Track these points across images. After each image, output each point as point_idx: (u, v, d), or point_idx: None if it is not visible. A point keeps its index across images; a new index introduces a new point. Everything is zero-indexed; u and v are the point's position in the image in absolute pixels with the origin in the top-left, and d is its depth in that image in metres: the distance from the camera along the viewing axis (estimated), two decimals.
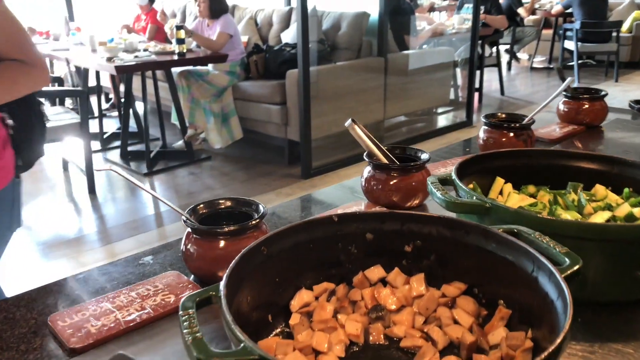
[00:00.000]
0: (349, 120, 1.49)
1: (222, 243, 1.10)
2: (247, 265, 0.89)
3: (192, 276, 1.16)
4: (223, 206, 1.19)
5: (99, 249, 3.94)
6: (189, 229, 1.12)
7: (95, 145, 6.12)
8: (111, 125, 6.92)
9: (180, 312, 0.74)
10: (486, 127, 1.86)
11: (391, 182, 1.46)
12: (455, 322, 0.94)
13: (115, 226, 4.32)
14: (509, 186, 1.35)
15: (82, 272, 1.20)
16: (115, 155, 5.99)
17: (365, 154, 1.50)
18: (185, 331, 0.70)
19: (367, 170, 1.51)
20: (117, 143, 6.08)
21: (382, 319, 0.96)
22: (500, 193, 1.35)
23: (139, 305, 1.03)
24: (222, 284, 0.80)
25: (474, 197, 1.09)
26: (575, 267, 0.83)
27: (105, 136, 6.37)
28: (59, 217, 4.51)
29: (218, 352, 0.66)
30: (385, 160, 1.49)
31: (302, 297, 0.99)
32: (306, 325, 0.94)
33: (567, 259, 0.85)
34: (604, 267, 1.01)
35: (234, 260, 0.86)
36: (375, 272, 1.03)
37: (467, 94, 7.27)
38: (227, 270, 0.83)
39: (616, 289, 1.04)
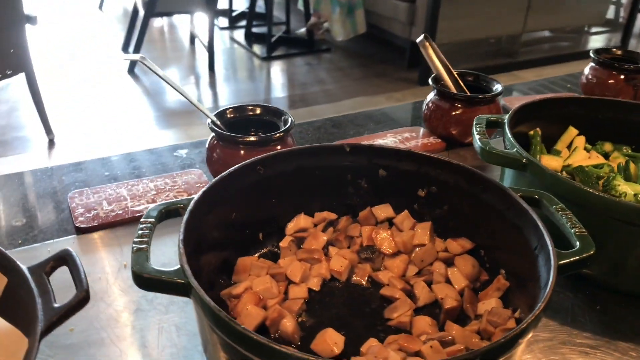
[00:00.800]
0: (421, 36, 1.35)
1: (242, 152, 1.08)
2: (238, 182, 0.87)
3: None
4: (252, 113, 1.16)
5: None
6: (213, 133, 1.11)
7: (224, 22, 6.24)
8: (241, 3, 6.98)
9: (142, 219, 0.75)
10: (593, 64, 1.61)
11: (453, 113, 1.33)
12: (448, 281, 0.87)
13: (227, 105, 4.48)
14: (581, 140, 1.18)
15: (123, 153, 1.25)
16: (240, 34, 6.08)
17: (431, 77, 1.37)
18: (135, 240, 0.70)
19: (430, 95, 1.38)
20: (244, 22, 6.16)
21: (371, 260, 0.91)
22: (570, 147, 1.18)
23: (151, 198, 1.07)
24: (195, 198, 0.79)
25: (515, 149, 0.96)
26: (584, 255, 0.72)
27: (233, 14, 6.46)
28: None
29: (152, 270, 0.66)
30: (452, 88, 1.36)
31: (300, 221, 0.96)
32: (294, 250, 0.92)
33: (579, 243, 0.73)
34: None
35: (218, 177, 0.84)
36: (384, 210, 0.97)
37: (629, 14, 6.37)
38: (206, 187, 0.81)
39: None
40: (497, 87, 1.35)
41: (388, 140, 1.34)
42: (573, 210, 0.86)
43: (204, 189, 0.80)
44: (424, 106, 1.39)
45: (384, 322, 0.81)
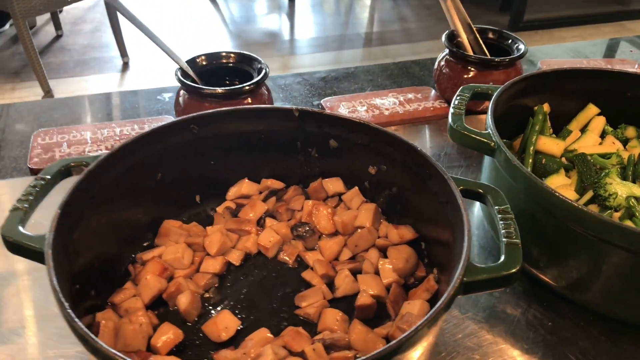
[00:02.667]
0: None
1: (207, 104, 1.02)
2: (165, 140, 0.81)
3: None
4: (226, 61, 1.08)
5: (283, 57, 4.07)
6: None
7: None
8: None
9: (38, 175, 0.71)
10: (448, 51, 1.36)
11: (464, 76, 1.18)
12: (378, 273, 0.78)
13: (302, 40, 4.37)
14: (600, 121, 1.00)
15: (106, 92, 1.23)
16: None
17: (445, 33, 1.21)
18: (19, 197, 0.67)
19: (443, 54, 1.23)
20: None
21: (303, 238, 0.83)
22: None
23: (110, 144, 1.04)
24: (102, 155, 0.74)
25: (489, 130, 0.83)
26: (502, 273, 0.60)
27: None
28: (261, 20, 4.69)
29: (18, 233, 0.63)
30: (468, 48, 1.20)
31: (242, 187, 0.89)
32: (227, 218, 0.86)
33: (504, 257, 0.62)
34: (619, 276, 0.73)
35: (137, 135, 0.78)
36: (334, 184, 0.89)
37: None
38: (119, 144, 0.76)
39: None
40: (520, 48, 1.18)
41: (387, 100, 1.22)
42: (538, 213, 0.74)
43: (117, 146, 0.75)
44: (435, 64, 1.24)
45: (293, 310, 0.74)
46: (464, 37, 1.19)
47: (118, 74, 3.87)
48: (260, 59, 1.07)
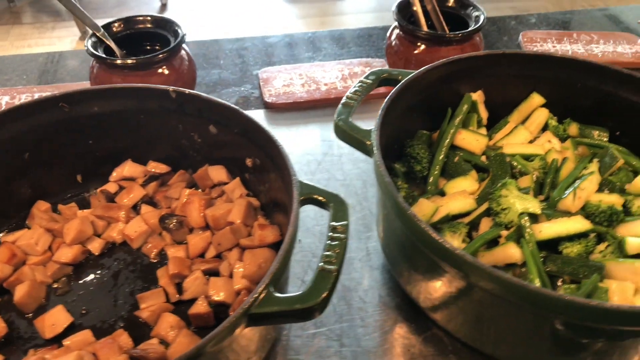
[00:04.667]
0: None
1: (116, 76, 0.96)
2: (30, 119, 0.77)
3: None
4: (142, 26, 1.01)
5: None
6: None
7: None
8: None
9: None
10: None
11: (415, 52, 1.06)
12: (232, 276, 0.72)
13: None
14: (542, 113, 0.88)
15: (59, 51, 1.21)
16: None
17: (397, 2, 1.08)
18: None
19: (392, 26, 1.11)
20: None
21: (170, 231, 0.78)
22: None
23: None
24: None
25: (373, 128, 0.73)
26: (296, 307, 0.53)
27: None
28: None
29: None
30: (421, 19, 1.07)
31: (124, 169, 0.85)
32: (103, 202, 0.82)
33: (310, 286, 0.55)
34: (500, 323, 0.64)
35: None
36: (218, 173, 0.83)
37: None
38: None
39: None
40: (479, 19, 1.04)
41: (329, 73, 1.12)
42: (397, 228, 0.66)
43: None
44: (386, 37, 1.12)
45: (135, 309, 0.71)
46: (417, 6, 1.07)
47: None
48: (176, 22, 1.00)
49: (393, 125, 0.79)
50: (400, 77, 0.81)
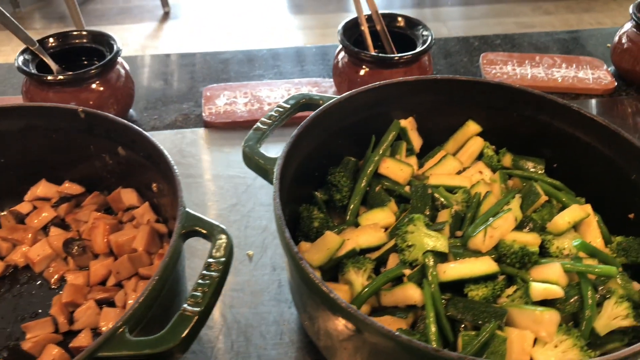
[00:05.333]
0: None
1: (47, 91, 0.94)
2: None
3: None
4: (79, 41, 0.99)
5: None
6: None
7: None
8: None
9: None
10: (634, 23, 1.13)
11: (360, 73, 1.02)
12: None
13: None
14: (476, 142, 0.84)
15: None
16: None
17: (344, 22, 1.05)
18: None
19: (340, 48, 1.08)
20: None
21: (73, 256, 0.75)
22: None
23: None
24: None
25: (280, 156, 0.70)
26: (146, 350, 0.50)
27: None
28: None
29: None
30: (368, 39, 1.04)
31: (38, 188, 0.82)
32: (12, 223, 0.80)
33: (169, 326, 0.52)
34: None
35: None
36: (129, 196, 0.80)
37: None
38: None
39: None
40: (426, 40, 1.01)
41: (275, 92, 1.09)
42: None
43: None
44: (334, 57, 1.09)
45: (22, 339, 0.68)
46: (365, 27, 1.03)
47: (156, 23, 3.86)
48: (112, 36, 0.97)
49: (314, 152, 0.76)
50: (321, 102, 0.78)
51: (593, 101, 1.12)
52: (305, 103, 0.79)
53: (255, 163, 0.70)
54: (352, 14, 1.03)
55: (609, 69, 1.18)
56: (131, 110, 1.07)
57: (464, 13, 4.10)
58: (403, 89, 0.82)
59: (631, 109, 1.10)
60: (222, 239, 0.59)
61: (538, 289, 0.61)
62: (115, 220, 0.78)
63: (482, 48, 1.27)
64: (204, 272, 0.56)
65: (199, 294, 0.54)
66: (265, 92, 1.09)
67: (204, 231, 0.60)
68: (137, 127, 0.72)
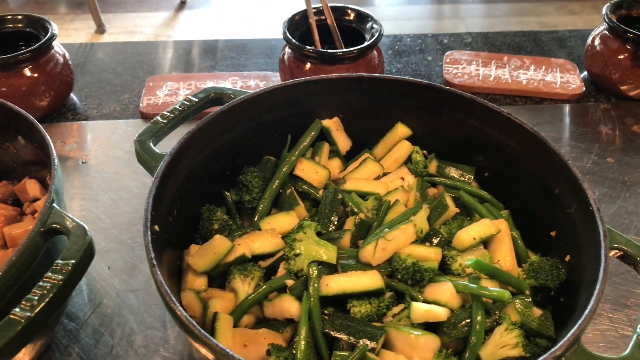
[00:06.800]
0: None
1: None
2: None
3: None
4: (12, 25, 0.97)
5: None
6: None
7: None
8: None
9: None
10: (606, 25, 1.05)
11: (305, 68, 0.98)
12: None
13: None
14: (403, 146, 0.79)
15: None
16: None
17: (289, 16, 1.00)
18: None
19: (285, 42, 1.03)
20: None
21: None
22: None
23: None
24: None
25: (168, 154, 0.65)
26: None
27: None
28: None
29: None
30: (315, 34, 0.99)
31: None
32: None
33: None
34: None
35: None
36: (33, 187, 0.76)
37: None
38: None
39: None
40: (374, 34, 0.95)
41: (227, 82, 1.05)
42: None
43: None
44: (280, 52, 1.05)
45: None
46: (312, 20, 0.99)
47: (172, 12, 3.86)
48: (48, 20, 0.95)
49: (221, 149, 0.72)
50: (233, 97, 0.74)
51: (561, 106, 1.05)
52: (215, 97, 0.75)
53: (143, 159, 0.66)
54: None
55: (582, 74, 1.11)
56: (74, 98, 1.04)
57: (485, 11, 4.00)
58: (325, 87, 0.77)
59: (598, 117, 1.02)
60: (79, 239, 0.55)
61: (419, 311, 0.56)
62: (15, 212, 0.75)
63: (452, 46, 1.20)
64: (48, 273, 0.52)
65: (33, 297, 0.50)
66: (209, 84, 1.05)
67: (63, 229, 0.57)
68: (29, 116, 0.69)
